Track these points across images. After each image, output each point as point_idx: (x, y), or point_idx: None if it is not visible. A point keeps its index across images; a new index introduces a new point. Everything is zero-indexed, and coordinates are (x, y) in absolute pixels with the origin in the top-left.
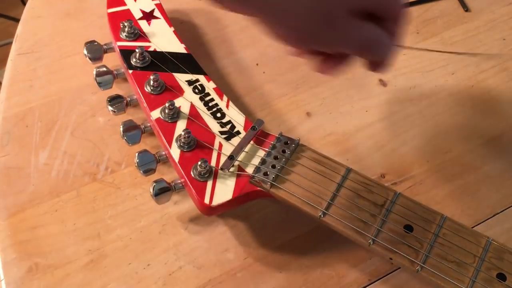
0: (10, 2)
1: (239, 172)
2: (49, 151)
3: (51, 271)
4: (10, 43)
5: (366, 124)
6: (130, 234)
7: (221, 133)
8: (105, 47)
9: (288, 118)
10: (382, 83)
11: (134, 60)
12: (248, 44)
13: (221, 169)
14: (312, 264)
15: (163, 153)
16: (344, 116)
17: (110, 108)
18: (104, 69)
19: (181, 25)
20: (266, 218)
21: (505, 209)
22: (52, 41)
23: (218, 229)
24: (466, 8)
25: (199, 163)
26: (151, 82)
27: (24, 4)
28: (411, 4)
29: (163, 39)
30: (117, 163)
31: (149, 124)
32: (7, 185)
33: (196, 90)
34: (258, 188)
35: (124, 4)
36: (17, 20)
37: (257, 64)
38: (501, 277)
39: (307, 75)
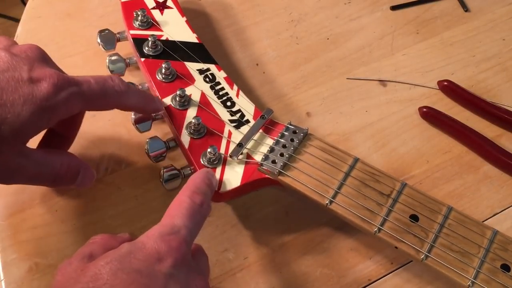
0: (10, 2)
1: (248, 160)
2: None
3: (51, 271)
4: None
5: (366, 124)
6: (130, 234)
7: (231, 121)
8: (118, 35)
9: (288, 118)
10: (382, 83)
11: (146, 48)
12: (248, 44)
13: (230, 156)
14: (312, 264)
15: (173, 140)
16: (344, 116)
17: None
18: (117, 57)
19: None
20: (266, 218)
21: (505, 209)
22: (52, 41)
23: (218, 229)
24: (466, 8)
25: (208, 150)
26: (163, 70)
27: (24, 4)
28: (411, 4)
29: (176, 28)
30: (117, 163)
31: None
32: (8, 185)
33: (207, 79)
34: (266, 176)
35: None
36: (17, 20)
37: (257, 64)
38: (506, 268)
39: (307, 75)
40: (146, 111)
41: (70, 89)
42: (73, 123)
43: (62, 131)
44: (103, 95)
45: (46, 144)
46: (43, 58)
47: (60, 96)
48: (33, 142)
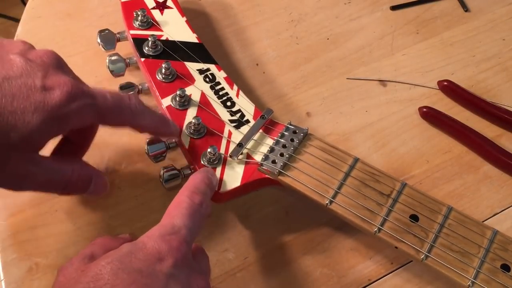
0: (10, 2)
1: (248, 160)
2: (49, 151)
3: (51, 271)
4: None
5: (366, 124)
6: (131, 234)
7: (231, 121)
8: (118, 35)
9: (288, 118)
10: (382, 83)
11: (146, 48)
12: (248, 44)
13: (230, 156)
14: (312, 264)
15: (173, 140)
16: (344, 116)
17: None
18: (117, 57)
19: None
20: (266, 218)
21: (505, 209)
22: (52, 41)
23: (218, 229)
24: (466, 8)
25: (208, 150)
26: (163, 70)
27: (24, 4)
28: (411, 4)
29: (176, 28)
30: (117, 163)
31: (160, 111)
32: None
33: (207, 79)
34: (266, 176)
35: None
36: (17, 20)
37: (257, 64)
38: (505, 268)
39: (307, 75)
40: (159, 134)
41: (83, 100)
42: (87, 133)
43: (76, 140)
44: (117, 112)
45: (59, 151)
46: (59, 65)
47: (72, 106)
48: (47, 149)
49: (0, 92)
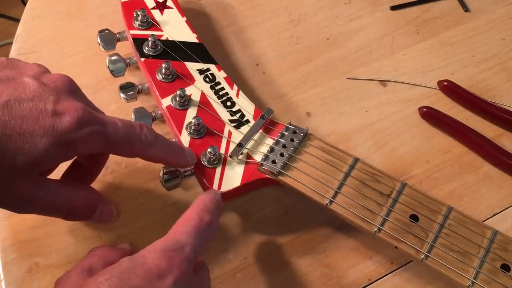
0: (10, 2)
1: (248, 160)
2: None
3: (51, 271)
4: (10, 43)
5: (366, 124)
6: (130, 234)
7: (231, 121)
8: (118, 35)
9: (288, 118)
10: (382, 83)
11: (146, 48)
12: (248, 44)
13: (230, 156)
14: (312, 264)
15: (173, 140)
16: (344, 116)
17: (122, 95)
18: (117, 57)
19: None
20: (266, 218)
21: (505, 209)
22: (52, 41)
23: (218, 229)
24: (466, 8)
25: (208, 150)
26: (163, 70)
27: (24, 4)
28: (411, 4)
29: (176, 28)
30: (117, 163)
31: (160, 112)
32: None
33: (207, 79)
34: (266, 176)
35: None
36: (17, 20)
37: (257, 64)
38: (506, 268)
39: (307, 75)
40: (172, 165)
41: (93, 127)
42: (98, 159)
43: (86, 165)
44: (127, 142)
45: (69, 175)
46: (72, 90)
47: (81, 132)
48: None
49: (11, 113)
